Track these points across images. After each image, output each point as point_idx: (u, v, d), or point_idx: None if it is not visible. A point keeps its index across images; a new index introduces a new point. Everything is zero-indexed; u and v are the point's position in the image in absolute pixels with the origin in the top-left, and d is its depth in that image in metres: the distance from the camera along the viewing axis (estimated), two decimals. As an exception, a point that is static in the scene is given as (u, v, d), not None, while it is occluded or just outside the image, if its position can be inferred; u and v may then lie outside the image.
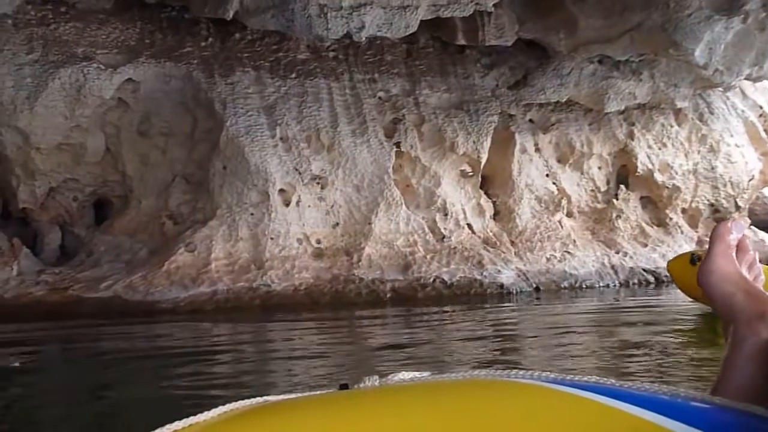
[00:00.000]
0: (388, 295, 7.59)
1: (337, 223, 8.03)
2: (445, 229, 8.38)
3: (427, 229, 8.27)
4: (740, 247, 0.85)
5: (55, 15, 8.03)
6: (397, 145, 8.35)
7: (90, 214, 9.16)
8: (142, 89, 8.25)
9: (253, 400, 0.63)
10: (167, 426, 0.58)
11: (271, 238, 7.64)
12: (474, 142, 8.62)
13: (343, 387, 0.66)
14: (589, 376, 0.64)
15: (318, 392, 0.66)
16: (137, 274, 7.44)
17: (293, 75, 8.47)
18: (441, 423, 0.57)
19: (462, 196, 8.74)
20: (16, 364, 3.39)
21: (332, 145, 8.09)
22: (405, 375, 0.67)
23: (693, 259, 5.12)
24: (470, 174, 8.83)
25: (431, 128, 8.59)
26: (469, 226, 8.62)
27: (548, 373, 0.64)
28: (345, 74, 8.65)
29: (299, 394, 0.64)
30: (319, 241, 7.92)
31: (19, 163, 8.16)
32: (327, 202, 8.02)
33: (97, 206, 9.23)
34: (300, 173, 7.83)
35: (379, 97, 8.67)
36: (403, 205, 8.19)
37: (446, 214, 8.47)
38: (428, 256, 8.05)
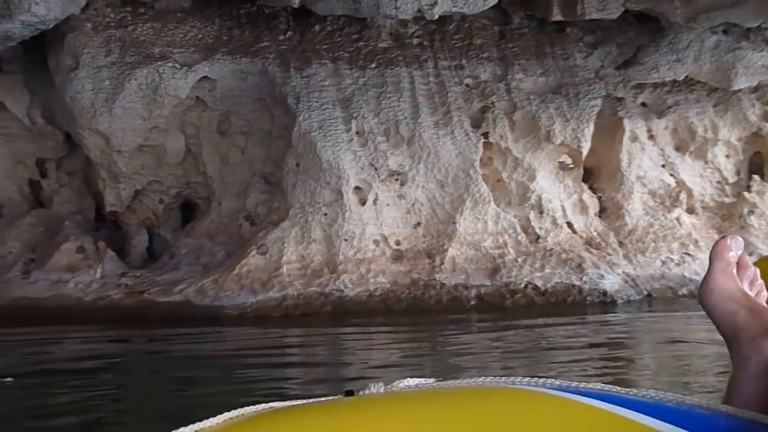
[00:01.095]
0: (473, 303, 6.84)
1: (419, 223, 7.38)
2: (540, 228, 7.48)
3: (519, 229, 7.42)
4: (741, 264, 0.85)
5: (133, 16, 7.96)
6: (485, 135, 7.57)
7: (176, 216, 9.09)
8: (219, 87, 8.02)
9: (258, 407, 0.63)
10: None
11: (345, 240, 7.12)
12: (573, 129, 7.65)
13: (349, 393, 0.66)
14: (595, 384, 0.63)
15: (323, 399, 0.65)
16: (209, 277, 7.18)
17: (373, 65, 7.92)
18: (445, 430, 0.58)
19: (561, 191, 7.79)
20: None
21: (412, 138, 7.45)
22: (410, 381, 0.67)
23: None
24: (570, 166, 7.86)
25: (524, 116, 7.73)
26: (569, 224, 7.66)
27: (553, 380, 0.64)
28: (429, 61, 7.97)
29: (304, 401, 0.64)
30: (398, 243, 7.30)
31: (104, 166, 8.18)
32: (407, 200, 7.39)
33: (186, 208, 9.17)
34: (376, 169, 7.26)
35: (467, 84, 7.92)
36: (492, 202, 7.39)
37: (541, 212, 7.57)
38: (519, 259, 7.20)
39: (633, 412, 0.59)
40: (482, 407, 0.60)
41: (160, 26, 7.95)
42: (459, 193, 7.36)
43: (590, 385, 0.63)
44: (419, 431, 0.58)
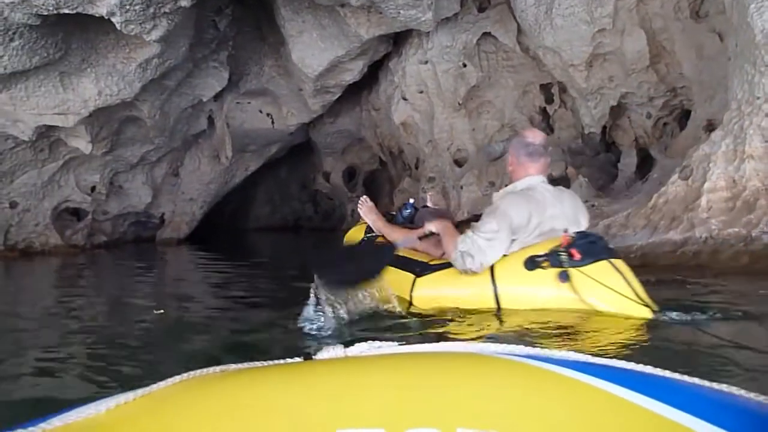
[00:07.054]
0: None
1: None
2: None
3: None
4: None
5: None
6: None
7: (671, 131, 7.46)
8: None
9: (210, 369, 0.61)
10: (121, 395, 0.56)
11: (794, 154, 4.44)
12: None
13: (307, 357, 0.64)
14: (563, 352, 0.61)
15: (280, 361, 0.63)
16: (620, 214, 5.71)
17: None
18: (398, 393, 0.54)
19: None
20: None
21: None
22: (373, 344, 0.64)
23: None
24: None
25: None
26: None
27: (521, 346, 0.61)
28: None
29: (261, 363, 0.61)
30: None
31: (567, 84, 7.46)
32: None
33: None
34: None
35: None
36: None
37: None
38: None
39: (598, 379, 0.54)
40: (440, 373, 0.55)
41: None
42: None
43: (553, 352, 0.57)
44: (371, 395, 0.52)
